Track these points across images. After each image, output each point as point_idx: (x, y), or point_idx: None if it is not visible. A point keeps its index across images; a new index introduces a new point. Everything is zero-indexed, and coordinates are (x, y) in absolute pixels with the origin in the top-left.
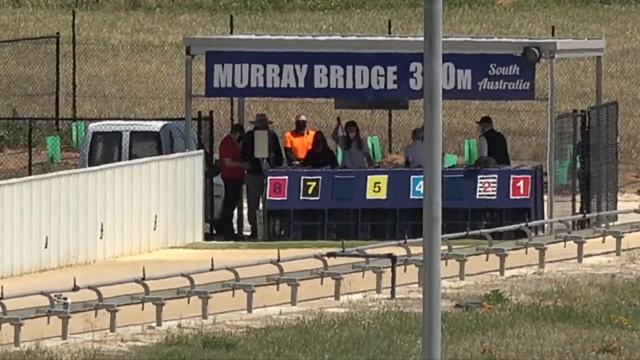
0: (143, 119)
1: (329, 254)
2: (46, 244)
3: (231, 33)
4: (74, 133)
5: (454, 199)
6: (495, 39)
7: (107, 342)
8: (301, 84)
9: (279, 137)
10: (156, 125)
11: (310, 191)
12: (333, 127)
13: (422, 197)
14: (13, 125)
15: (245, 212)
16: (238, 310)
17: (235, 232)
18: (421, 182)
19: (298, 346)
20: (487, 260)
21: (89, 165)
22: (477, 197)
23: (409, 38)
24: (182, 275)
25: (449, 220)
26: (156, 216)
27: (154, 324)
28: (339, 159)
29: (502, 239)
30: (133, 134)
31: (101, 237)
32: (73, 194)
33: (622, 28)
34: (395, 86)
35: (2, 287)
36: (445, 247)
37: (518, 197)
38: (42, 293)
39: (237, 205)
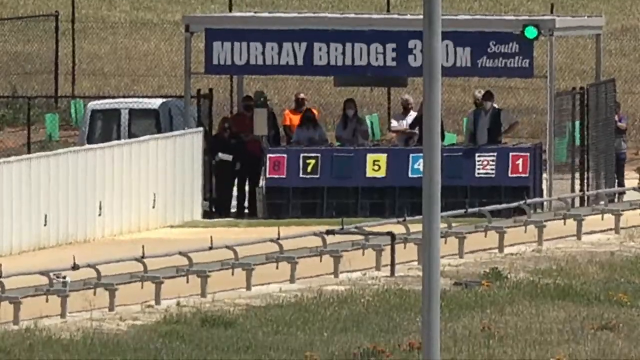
0: (142, 97)
1: (328, 232)
2: (45, 222)
3: (230, 10)
4: (73, 111)
5: (453, 177)
6: (495, 17)
7: (106, 320)
8: (300, 62)
9: (277, 115)
10: (155, 103)
11: (309, 169)
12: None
13: (421, 175)
14: (12, 104)
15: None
16: (237, 289)
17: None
18: (420, 160)
19: (297, 324)
20: (485, 237)
21: (88, 143)
22: (476, 175)
23: (408, 16)
24: (181, 253)
25: (448, 198)
26: (155, 194)
27: (153, 303)
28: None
29: (501, 217)
30: (132, 111)
31: (100, 215)
32: (72, 172)
33: (621, 6)
34: (394, 63)
35: (1, 265)
36: (445, 225)
37: (517, 175)
38: (41, 273)
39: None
